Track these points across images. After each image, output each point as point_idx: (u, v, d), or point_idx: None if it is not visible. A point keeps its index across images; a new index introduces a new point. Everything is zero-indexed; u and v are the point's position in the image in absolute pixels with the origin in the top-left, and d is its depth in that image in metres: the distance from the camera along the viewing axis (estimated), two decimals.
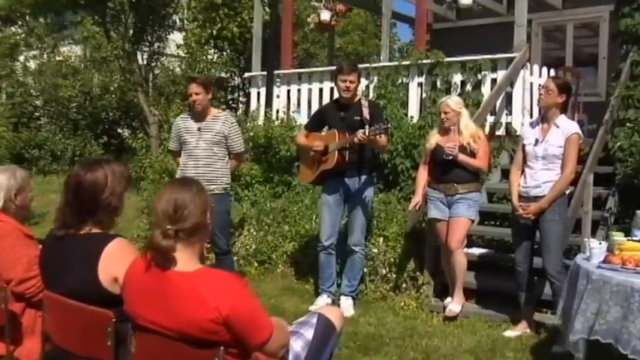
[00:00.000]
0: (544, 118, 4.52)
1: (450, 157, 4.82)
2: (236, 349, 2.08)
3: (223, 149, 5.13)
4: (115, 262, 2.34)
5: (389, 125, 4.88)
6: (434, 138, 5.07)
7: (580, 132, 4.39)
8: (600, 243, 3.68)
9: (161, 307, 2.07)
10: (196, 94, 5.03)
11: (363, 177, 5.06)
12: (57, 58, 13.85)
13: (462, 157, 4.83)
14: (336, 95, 5.53)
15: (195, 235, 2.13)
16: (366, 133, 4.70)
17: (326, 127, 5.29)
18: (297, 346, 2.41)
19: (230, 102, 13.52)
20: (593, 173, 5.96)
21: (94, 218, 2.49)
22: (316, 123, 5.38)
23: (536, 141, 4.50)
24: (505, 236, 5.76)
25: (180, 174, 5.18)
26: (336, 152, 4.96)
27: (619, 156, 5.97)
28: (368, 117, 4.93)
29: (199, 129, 5.09)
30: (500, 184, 6.44)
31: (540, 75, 7.12)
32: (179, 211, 2.09)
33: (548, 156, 4.38)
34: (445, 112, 4.95)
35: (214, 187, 5.04)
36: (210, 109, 5.18)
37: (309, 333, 2.49)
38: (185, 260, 2.11)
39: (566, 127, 4.35)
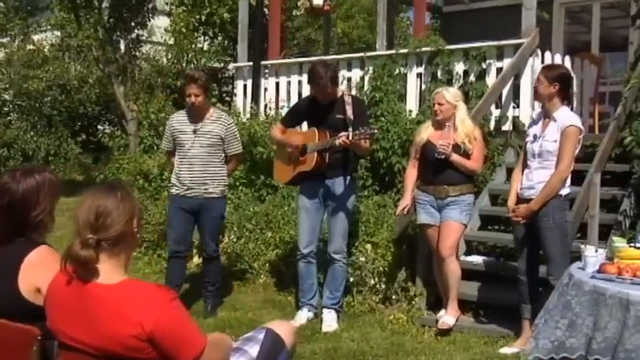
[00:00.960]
0: (545, 112, 4.55)
1: (442, 157, 4.84)
2: None
3: (219, 151, 5.35)
4: (37, 272, 2.40)
5: (375, 131, 4.88)
6: (426, 132, 5.09)
7: (579, 124, 4.39)
8: (597, 250, 3.70)
9: (82, 323, 2.13)
10: (196, 95, 5.21)
11: (344, 178, 5.09)
12: (28, 47, 13.92)
13: (455, 158, 4.86)
14: None
15: (120, 244, 2.18)
16: (350, 137, 4.74)
17: (305, 124, 5.34)
18: None
19: (223, 95, 13.60)
20: (609, 172, 6.02)
21: (24, 235, 2.56)
22: (294, 118, 5.43)
23: (535, 137, 4.54)
24: (509, 242, 5.74)
25: (175, 177, 5.39)
26: (316, 153, 4.99)
27: (637, 153, 5.95)
28: (352, 117, 4.96)
29: (195, 131, 5.29)
30: (505, 185, 6.43)
31: (552, 62, 7.11)
32: (101, 219, 2.14)
33: (543, 153, 4.41)
34: (439, 104, 4.98)
35: (211, 189, 5.30)
36: (207, 109, 5.38)
37: (254, 350, 2.53)
38: (108, 272, 2.16)
39: (562, 119, 4.36)
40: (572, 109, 6.99)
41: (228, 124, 5.37)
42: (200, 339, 2.16)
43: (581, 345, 3.33)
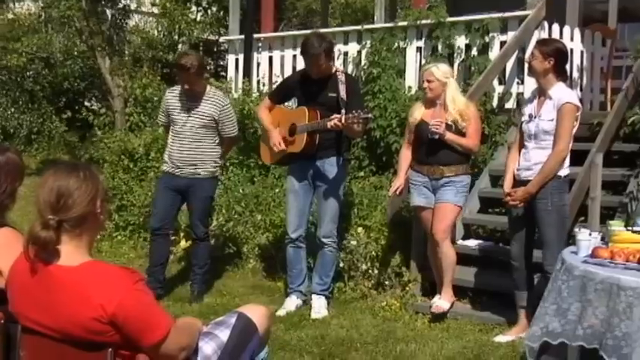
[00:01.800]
0: (540, 90, 4.61)
1: (436, 136, 4.92)
2: (127, 350, 2.24)
3: (213, 132, 5.48)
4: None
5: (370, 115, 4.93)
6: (418, 111, 5.17)
7: (576, 101, 4.45)
8: (590, 234, 3.79)
9: (44, 306, 2.23)
10: (190, 83, 5.35)
11: (334, 159, 5.17)
12: (8, 16, 13.93)
13: (449, 136, 4.93)
14: None
15: (82, 225, 2.26)
16: (343, 121, 4.80)
17: (294, 100, 5.40)
18: (208, 348, 2.54)
19: (219, 69, 13.64)
20: (617, 152, 6.08)
21: None
22: (283, 94, 5.51)
23: (530, 117, 4.60)
24: None
25: (167, 154, 5.55)
26: (305, 134, 5.06)
27: None
28: (345, 97, 5.02)
29: (188, 110, 5.42)
30: None
31: (561, 36, 7.15)
32: (62, 200, 2.22)
33: (539, 133, 4.48)
34: (428, 81, 5.05)
35: (200, 170, 5.43)
36: (203, 87, 5.48)
37: (224, 334, 2.62)
38: (70, 253, 2.25)
39: (558, 96, 4.42)
40: (580, 86, 7.10)
41: (223, 106, 5.46)
42: (165, 322, 2.26)
43: (565, 331, 3.42)
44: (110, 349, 2.21)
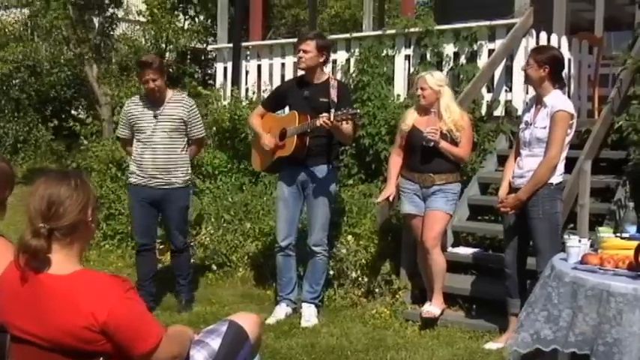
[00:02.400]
0: (537, 97, 4.64)
1: (431, 144, 4.93)
2: (119, 359, 2.23)
3: (182, 136, 5.39)
4: None
5: (358, 111, 4.99)
6: (411, 117, 5.18)
7: (569, 109, 4.47)
8: (580, 241, 3.81)
9: (34, 315, 2.21)
10: (153, 80, 5.22)
11: (325, 166, 5.19)
12: None
13: (443, 145, 4.94)
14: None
15: (73, 234, 2.26)
16: (331, 118, 4.82)
17: (287, 108, 5.43)
18: (199, 356, 2.54)
19: (206, 78, 13.64)
20: (604, 159, 6.12)
21: None
22: (275, 101, 5.52)
23: (526, 124, 4.63)
24: (499, 233, 5.83)
25: (136, 166, 5.40)
26: (295, 137, 5.08)
27: (633, 139, 6.05)
28: (335, 100, 5.05)
29: (155, 116, 5.29)
30: (496, 173, 6.54)
31: (548, 43, 7.20)
32: (53, 208, 2.22)
33: (532, 140, 4.51)
34: (422, 89, 5.06)
35: (174, 179, 5.34)
36: (166, 91, 5.38)
37: (215, 342, 2.62)
38: (60, 262, 2.24)
39: (552, 104, 4.44)
40: (568, 94, 7.15)
41: (191, 106, 5.41)
42: (156, 331, 2.25)
43: (557, 338, 3.43)
44: (101, 359, 2.20)
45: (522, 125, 4.68)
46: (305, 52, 5.10)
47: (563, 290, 3.47)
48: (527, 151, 4.59)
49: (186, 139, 5.42)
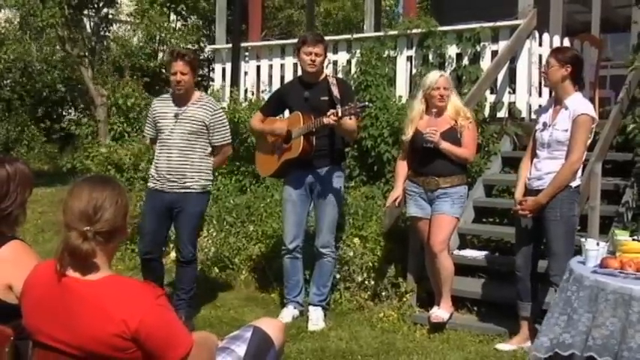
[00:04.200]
0: (556, 99, 4.61)
1: (431, 145, 4.89)
2: None
3: (203, 140, 5.08)
4: (9, 268, 2.43)
5: (367, 103, 4.95)
6: (412, 126, 5.08)
7: (592, 113, 4.43)
8: (598, 244, 3.78)
9: (62, 321, 2.16)
10: (182, 73, 4.97)
11: (332, 167, 5.14)
12: None
13: (444, 145, 4.89)
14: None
15: (112, 238, 2.24)
16: (339, 114, 4.76)
17: (287, 111, 5.38)
18: None
19: (199, 79, 13.57)
20: (610, 161, 6.11)
21: None
22: (275, 106, 5.45)
23: (544, 125, 4.59)
24: (505, 236, 5.88)
25: (154, 168, 5.16)
26: (302, 138, 5.02)
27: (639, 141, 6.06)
28: (339, 96, 5.00)
29: (176, 115, 5.05)
30: (501, 175, 6.54)
31: (552, 45, 7.20)
32: (99, 213, 2.19)
33: (552, 142, 4.47)
34: (445, 88, 4.98)
35: (189, 184, 5.04)
36: (193, 92, 5.15)
37: (241, 349, 2.58)
38: (93, 267, 2.19)
39: (574, 107, 4.41)
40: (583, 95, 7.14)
41: (215, 110, 5.10)
42: (187, 338, 2.21)
43: (575, 342, 3.41)
44: None
45: (539, 126, 4.62)
46: (317, 54, 5.04)
47: (582, 294, 3.45)
48: (546, 153, 4.54)
49: (207, 144, 5.10)
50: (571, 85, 4.47)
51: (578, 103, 4.43)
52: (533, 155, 4.65)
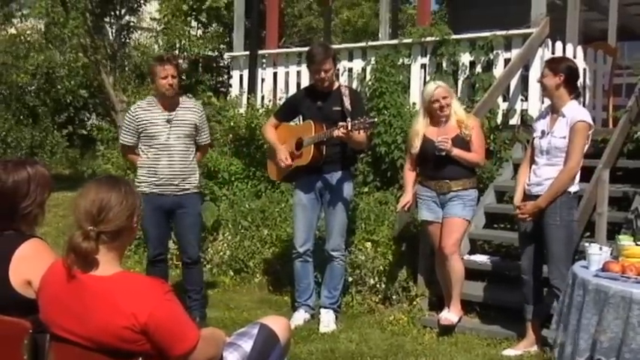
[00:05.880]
0: (553, 107, 4.69)
1: (443, 153, 4.98)
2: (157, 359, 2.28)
3: (192, 141, 5.26)
4: (28, 264, 2.56)
5: (375, 120, 5.05)
6: (418, 138, 5.16)
7: (588, 120, 4.53)
8: (601, 248, 3.85)
9: (76, 315, 2.28)
10: (173, 76, 5.06)
11: (341, 172, 5.24)
12: (10, 31, 14.01)
13: (456, 152, 4.99)
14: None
15: (118, 238, 2.35)
16: (349, 127, 4.86)
17: (300, 118, 5.48)
18: (232, 358, 2.60)
19: (218, 86, 13.72)
20: (621, 168, 6.16)
21: (12, 226, 2.71)
22: (288, 112, 5.57)
23: (543, 133, 4.68)
24: (515, 241, 5.85)
25: (150, 174, 5.14)
26: (312, 146, 5.13)
27: None
28: (350, 107, 5.10)
29: (169, 120, 5.12)
30: (512, 182, 6.55)
31: (564, 53, 7.25)
32: (103, 213, 2.30)
33: (551, 149, 4.55)
34: (444, 97, 5.09)
35: (188, 186, 5.19)
36: (178, 96, 5.28)
37: (247, 345, 2.68)
38: (104, 264, 2.32)
39: (572, 114, 4.50)
40: (583, 103, 7.19)
41: (201, 111, 5.33)
42: (194, 332, 2.32)
43: (588, 346, 3.49)
44: (140, 358, 2.26)
45: (537, 134, 4.72)
46: (326, 71, 5.12)
47: (588, 298, 3.53)
48: (544, 160, 4.63)
49: (194, 144, 5.28)
50: (566, 94, 4.57)
51: (575, 111, 4.53)
52: (532, 162, 4.73)
